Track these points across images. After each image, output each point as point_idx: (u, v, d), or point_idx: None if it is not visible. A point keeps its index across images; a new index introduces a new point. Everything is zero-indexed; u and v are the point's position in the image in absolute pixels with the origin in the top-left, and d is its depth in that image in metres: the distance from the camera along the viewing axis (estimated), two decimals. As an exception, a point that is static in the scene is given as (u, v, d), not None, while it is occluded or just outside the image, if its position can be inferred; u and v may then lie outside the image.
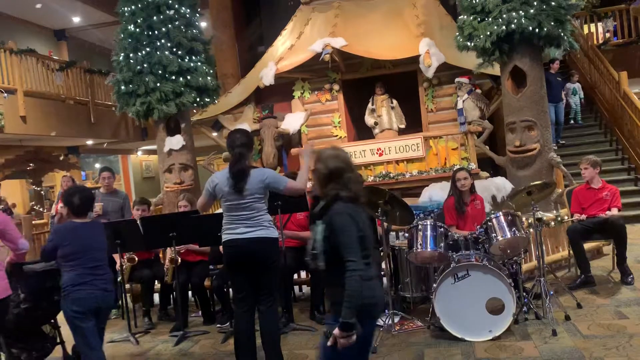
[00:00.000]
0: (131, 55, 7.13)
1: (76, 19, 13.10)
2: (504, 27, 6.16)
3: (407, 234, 4.77)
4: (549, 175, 6.45)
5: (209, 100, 7.63)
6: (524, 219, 5.14)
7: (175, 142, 7.50)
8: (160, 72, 7.06)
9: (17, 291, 3.97)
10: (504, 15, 6.17)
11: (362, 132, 9.03)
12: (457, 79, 7.82)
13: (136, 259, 5.30)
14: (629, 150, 9.32)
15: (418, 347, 4.13)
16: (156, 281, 5.55)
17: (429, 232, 4.44)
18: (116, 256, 5.31)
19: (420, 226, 4.49)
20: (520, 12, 6.11)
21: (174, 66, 7.05)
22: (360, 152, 8.01)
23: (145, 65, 7.06)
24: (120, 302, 5.53)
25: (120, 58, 7.22)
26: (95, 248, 3.55)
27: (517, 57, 6.48)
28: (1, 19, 11.78)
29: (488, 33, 6.27)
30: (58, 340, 4.33)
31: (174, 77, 7.11)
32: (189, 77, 7.19)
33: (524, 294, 4.55)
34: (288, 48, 8.65)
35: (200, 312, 5.47)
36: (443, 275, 4.16)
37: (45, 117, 10.08)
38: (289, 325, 4.79)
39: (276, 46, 9.14)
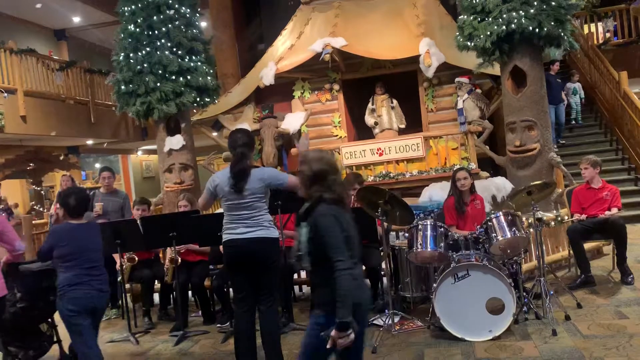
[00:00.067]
0: (131, 55, 7.12)
1: (76, 19, 13.10)
2: (504, 27, 6.16)
3: (407, 234, 4.77)
4: (549, 175, 6.45)
5: (209, 100, 7.63)
6: (524, 218, 5.14)
7: (175, 142, 7.49)
8: (160, 72, 7.05)
9: (14, 290, 3.99)
10: (504, 15, 6.16)
11: (362, 132, 9.03)
12: (457, 79, 7.82)
13: (136, 258, 5.30)
14: (629, 150, 9.32)
15: (418, 347, 4.13)
16: (156, 281, 5.55)
17: (429, 232, 4.44)
18: (116, 256, 5.32)
19: (420, 226, 4.49)
20: (521, 12, 6.11)
21: (174, 66, 7.05)
22: (360, 152, 8.02)
23: (145, 65, 7.06)
24: (120, 302, 5.54)
25: (121, 58, 7.22)
26: (91, 249, 3.57)
27: (517, 57, 6.47)
28: (1, 19, 11.78)
29: (488, 33, 6.27)
30: (55, 339, 4.34)
31: (174, 77, 7.11)
32: (189, 77, 7.19)
33: (524, 293, 4.55)
34: (288, 48, 8.65)
35: (200, 312, 5.47)
36: (443, 275, 4.16)
37: (45, 117, 10.08)
38: (289, 325, 4.79)
39: (276, 46, 9.14)
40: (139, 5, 7.10)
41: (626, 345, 3.78)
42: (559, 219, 5.97)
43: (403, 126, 8.61)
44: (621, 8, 11.55)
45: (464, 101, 7.68)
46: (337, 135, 8.71)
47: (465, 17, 6.58)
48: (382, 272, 5.01)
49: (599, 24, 12.00)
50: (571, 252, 5.53)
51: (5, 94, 9.09)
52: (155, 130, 7.88)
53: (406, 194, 7.12)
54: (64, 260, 3.47)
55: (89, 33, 14.01)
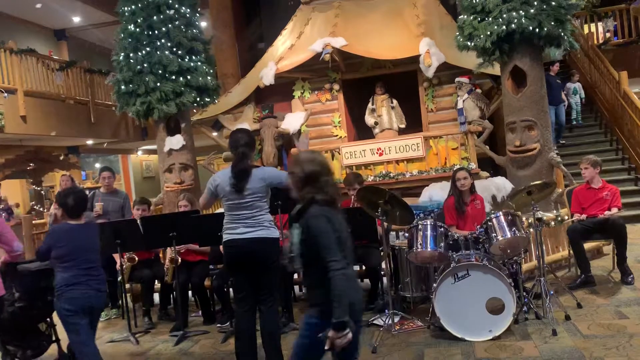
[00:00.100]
0: (131, 55, 7.12)
1: (76, 19, 13.09)
2: (504, 26, 6.15)
3: (407, 234, 4.77)
4: (549, 175, 6.45)
5: (209, 100, 7.63)
6: (524, 218, 5.14)
7: (176, 141, 7.49)
8: (160, 71, 7.05)
9: (12, 290, 4.00)
10: (504, 15, 6.16)
11: (362, 131, 9.02)
12: (457, 79, 7.81)
13: (136, 258, 5.31)
14: (629, 150, 9.33)
15: (418, 347, 4.13)
16: (156, 281, 5.55)
17: (429, 232, 4.44)
18: (116, 256, 5.32)
19: (420, 226, 4.49)
20: (521, 11, 6.10)
21: (174, 66, 7.05)
22: (360, 152, 8.01)
23: (145, 65, 7.05)
24: (120, 302, 5.54)
25: (121, 58, 7.22)
26: (89, 249, 3.58)
27: (517, 56, 6.47)
28: (1, 19, 11.78)
29: (488, 33, 6.26)
30: (53, 339, 4.35)
31: (174, 77, 7.11)
32: (189, 77, 7.19)
33: (524, 293, 4.55)
34: (288, 48, 8.65)
35: (200, 312, 5.47)
36: (443, 275, 4.16)
37: (45, 117, 10.08)
38: (289, 325, 4.80)
39: (276, 46, 9.14)
40: (139, 5, 7.10)
41: (626, 345, 3.78)
42: (559, 218, 5.97)
43: (403, 126, 8.61)
44: (621, 8, 11.55)
45: (464, 101, 7.67)
46: (337, 135, 8.71)
47: (465, 17, 6.58)
48: (382, 272, 5.01)
49: (599, 23, 12.00)
50: (571, 252, 5.53)
51: (5, 94, 9.09)
52: (155, 130, 7.88)
53: (406, 194, 7.12)
54: (62, 260, 3.48)
55: (89, 33, 14.01)
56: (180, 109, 7.30)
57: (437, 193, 6.66)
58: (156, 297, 5.79)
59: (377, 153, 7.96)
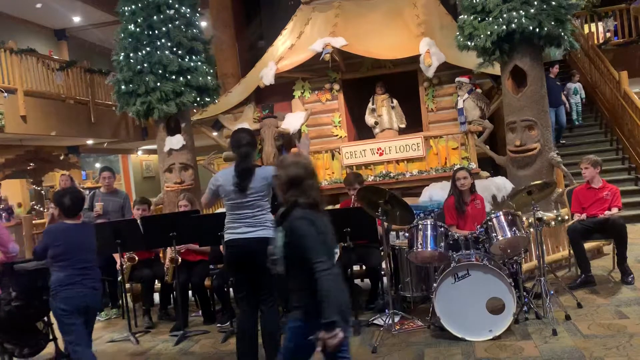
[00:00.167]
0: (131, 54, 7.12)
1: (76, 19, 13.09)
2: (504, 26, 6.15)
3: (407, 234, 4.77)
4: (550, 175, 6.45)
5: (209, 100, 7.62)
6: (524, 218, 5.14)
7: (176, 141, 7.49)
8: (160, 71, 7.05)
9: (9, 289, 4.01)
10: (505, 15, 6.16)
11: (362, 131, 9.02)
12: (457, 79, 7.81)
13: (136, 258, 5.31)
14: (630, 150, 9.33)
15: (418, 346, 4.13)
16: (156, 281, 5.55)
17: (429, 232, 4.44)
18: (116, 256, 5.32)
19: (420, 226, 4.49)
20: (521, 11, 6.10)
21: (174, 66, 7.04)
22: (360, 152, 8.01)
23: (145, 64, 7.05)
24: (120, 301, 5.54)
25: (121, 58, 7.21)
26: (85, 249, 3.59)
27: (518, 56, 6.47)
28: (1, 19, 11.78)
29: (488, 33, 6.26)
30: (51, 337, 4.36)
31: (174, 77, 7.10)
32: (189, 77, 7.19)
33: (524, 293, 4.55)
34: (288, 48, 8.65)
35: (200, 312, 5.47)
36: (443, 275, 4.16)
37: (45, 116, 10.07)
38: (290, 325, 4.79)
39: (276, 46, 9.14)
40: (139, 5, 7.10)
41: (626, 345, 3.78)
42: (559, 218, 5.97)
43: (403, 126, 8.60)
44: (621, 8, 11.55)
45: (464, 101, 7.67)
46: (337, 135, 8.71)
47: (466, 16, 6.58)
48: (383, 272, 5.01)
49: (599, 23, 12.00)
50: (571, 251, 5.53)
51: (6, 94, 9.09)
52: (155, 130, 7.87)
53: (406, 194, 7.12)
54: (58, 259, 3.50)
55: (89, 33, 14.00)
56: (180, 109, 7.30)
57: (437, 193, 6.66)
58: (156, 297, 5.79)
59: (377, 153, 7.95)
